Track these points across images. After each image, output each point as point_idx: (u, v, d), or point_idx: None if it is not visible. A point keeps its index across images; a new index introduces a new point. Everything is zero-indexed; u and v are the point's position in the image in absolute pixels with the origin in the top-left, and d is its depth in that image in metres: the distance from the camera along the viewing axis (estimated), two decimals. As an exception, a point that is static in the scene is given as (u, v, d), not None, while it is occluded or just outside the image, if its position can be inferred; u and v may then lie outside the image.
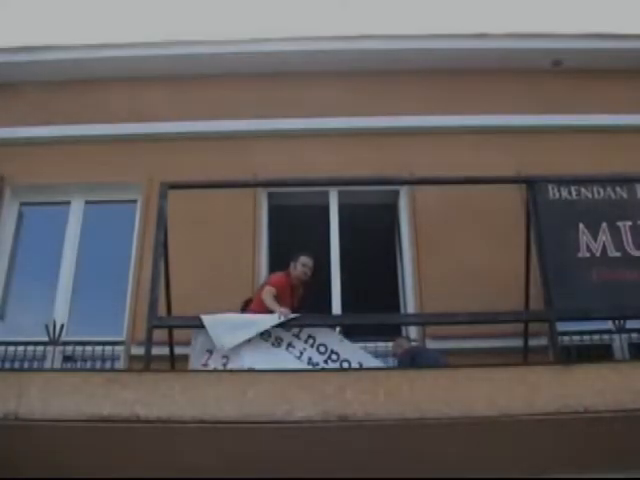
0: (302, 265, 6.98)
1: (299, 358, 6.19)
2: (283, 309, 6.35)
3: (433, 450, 5.41)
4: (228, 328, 6.12)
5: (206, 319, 6.10)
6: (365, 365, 6.19)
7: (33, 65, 8.94)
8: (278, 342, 6.24)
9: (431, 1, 22.79)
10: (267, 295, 6.64)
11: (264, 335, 6.23)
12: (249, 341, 6.18)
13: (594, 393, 5.25)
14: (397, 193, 8.37)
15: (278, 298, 6.63)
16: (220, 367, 6.10)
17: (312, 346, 6.28)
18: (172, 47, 9.03)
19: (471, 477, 5.52)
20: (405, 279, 7.96)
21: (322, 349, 6.30)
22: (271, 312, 6.37)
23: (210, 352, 6.20)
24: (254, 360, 6.09)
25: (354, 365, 6.20)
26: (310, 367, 6.09)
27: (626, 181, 6.36)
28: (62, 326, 7.37)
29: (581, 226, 6.08)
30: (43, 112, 8.82)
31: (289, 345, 6.23)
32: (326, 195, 8.26)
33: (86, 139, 8.60)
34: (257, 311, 6.55)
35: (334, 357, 6.27)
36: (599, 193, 6.26)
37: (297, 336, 6.28)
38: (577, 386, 5.30)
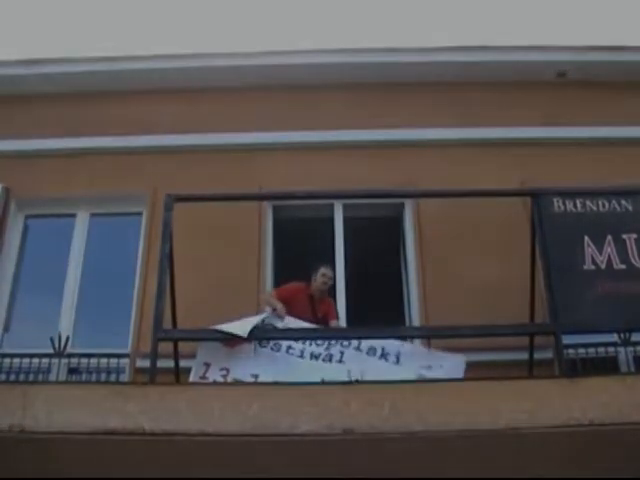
0: (321, 275, 7.10)
1: (301, 356, 6.23)
2: (280, 306, 6.57)
3: (437, 464, 5.39)
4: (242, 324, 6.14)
5: (221, 326, 6.11)
6: (364, 339, 6.30)
7: (39, 78, 8.97)
8: (277, 347, 6.28)
9: (435, 14, 22.86)
10: (265, 297, 6.89)
11: (263, 342, 6.27)
12: (254, 350, 6.22)
13: (600, 406, 5.23)
14: (402, 206, 8.37)
15: (289, 304, 6.75)
16: (220, 379, 6.11)
17: (310, 344, 6.36)
18: (177, 60, 9.06)
19: (470, 477, 5.48)
20: (410, 292, 7.95)
21: (320, 341, 6.39)
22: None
23: (208, 365, 6.22)
24: (257, 367, 6.12)
25: (353, 343, 6.28)
26: (317, 379, 6.09)
27: (631, 193, 6.35)
28: (67, 338, 7.37)
29: (586, 239, 6.07)
30: (48, 124, 8.85)
31: (289, 348, 6.28)
32: (331, 208, 8.26)
33: (91, 151, 8.63)
34: None
35: (333, 341, 6.37)
36: (604, 205, 6.26)
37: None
38: (583, 399, 5.28)
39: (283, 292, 6.99)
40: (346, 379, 5.99)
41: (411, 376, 6.15)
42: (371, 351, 6.38)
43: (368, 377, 6.00)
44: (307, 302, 6.93)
